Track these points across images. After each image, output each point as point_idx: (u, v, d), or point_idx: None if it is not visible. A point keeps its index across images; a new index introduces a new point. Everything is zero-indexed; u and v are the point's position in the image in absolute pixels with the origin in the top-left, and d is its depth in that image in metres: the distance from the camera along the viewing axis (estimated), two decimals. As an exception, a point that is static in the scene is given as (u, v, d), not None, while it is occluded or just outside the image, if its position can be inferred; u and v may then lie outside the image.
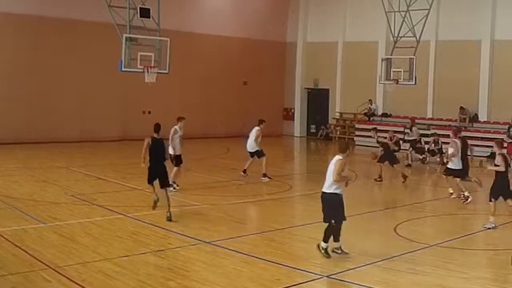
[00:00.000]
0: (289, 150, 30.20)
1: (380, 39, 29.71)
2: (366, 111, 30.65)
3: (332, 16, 32.21)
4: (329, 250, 9.39)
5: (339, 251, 9.51)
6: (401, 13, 24.57)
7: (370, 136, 29.24)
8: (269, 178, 17.50)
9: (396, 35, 24.84)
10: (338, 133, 32.49)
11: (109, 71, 24.19)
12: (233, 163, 20.52)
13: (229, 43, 31.48)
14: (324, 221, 9.47)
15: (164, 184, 12.12)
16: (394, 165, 18.29)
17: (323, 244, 9.37)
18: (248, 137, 17.95)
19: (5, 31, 24.05)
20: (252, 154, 17.86)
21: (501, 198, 11.79)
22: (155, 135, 12.25)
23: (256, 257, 9.36)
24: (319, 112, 33.71)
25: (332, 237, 9.43)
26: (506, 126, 24.63)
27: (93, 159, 21.33)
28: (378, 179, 18.16)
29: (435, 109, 28.40)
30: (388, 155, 18.37)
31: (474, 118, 26.64)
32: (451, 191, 15.15)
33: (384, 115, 30.01)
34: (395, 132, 25.31)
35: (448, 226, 12.20)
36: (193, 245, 10.11)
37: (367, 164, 24.26)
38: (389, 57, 25.45)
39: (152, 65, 19.89)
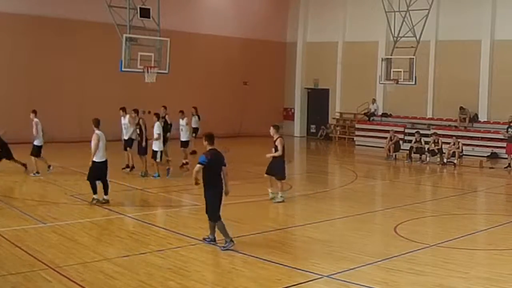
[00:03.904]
0: (289, 150, 30.12)
1: (380, 39, 29.71)
2: (366, 111, 30.67)
3: (332, 16, 32.22)
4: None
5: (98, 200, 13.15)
6: (401, 13, 24.58)
7: (370, 136, 29.49)
8: (130, 169, 18.17)
9: (396, 35, 24.85)
10: (338, 133, 32.49)
11: (109, 71, 24.16)
12: (233, 163, 20.44)
13: (229, 43, 31.48)
14: (103, 180, 13.30)
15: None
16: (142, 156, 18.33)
17: (95, 196, 13.12)
18: None
19: (5, 31, 24.02)
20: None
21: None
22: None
23: (256, 257, 9.35)
24: (319, 112, 33.72)
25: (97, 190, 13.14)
26: (506, 126, 24.57)
27: (93, 159, 21.24)
28: (127, 168, 18.59)
29: (435, 109, 28.41)
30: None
31: (474, 118, 26.64)
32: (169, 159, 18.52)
33: (384, 115, 30.01)
34: (395, 132, 25.53)
35: (448, 226, 12.18)
36: (193, 245, 10.10)
37: (368, 164, 24.32)
38: (389, 57, 25.46)
39: (152, 65, 19.89)
